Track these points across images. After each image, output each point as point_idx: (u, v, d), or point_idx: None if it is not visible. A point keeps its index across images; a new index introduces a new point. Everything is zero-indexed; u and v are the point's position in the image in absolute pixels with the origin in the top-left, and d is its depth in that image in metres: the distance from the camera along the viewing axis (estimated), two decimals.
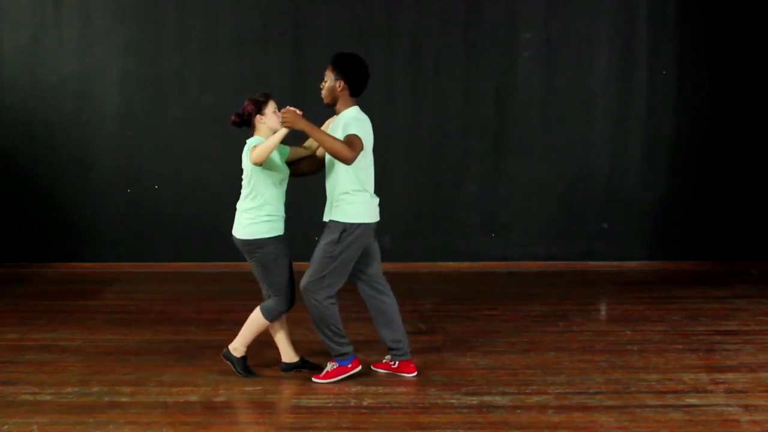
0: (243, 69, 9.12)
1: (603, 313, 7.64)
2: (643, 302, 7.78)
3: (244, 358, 5.77)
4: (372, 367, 5.90)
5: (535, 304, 7.74)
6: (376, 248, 5.84)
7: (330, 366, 5.68)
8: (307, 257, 5.71)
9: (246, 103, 5.61)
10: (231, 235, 5.73)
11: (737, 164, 9.36)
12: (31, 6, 9.10)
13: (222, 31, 9.21)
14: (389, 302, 5.82)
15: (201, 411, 5.18)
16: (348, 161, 5.34)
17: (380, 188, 9.25)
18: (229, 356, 5.78)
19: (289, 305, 5.74)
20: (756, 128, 9.33)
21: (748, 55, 9.26)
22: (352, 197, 5.54)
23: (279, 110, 5.56)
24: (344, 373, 5.66)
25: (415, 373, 5.78)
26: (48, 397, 5.37)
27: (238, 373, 5.73)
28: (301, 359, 5.89)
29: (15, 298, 7.98)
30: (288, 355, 5.87)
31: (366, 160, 5.56)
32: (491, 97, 9.29)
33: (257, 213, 5.57)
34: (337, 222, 5.54)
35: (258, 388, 5.55)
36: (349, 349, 5.68)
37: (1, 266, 9.12)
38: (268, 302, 5.68)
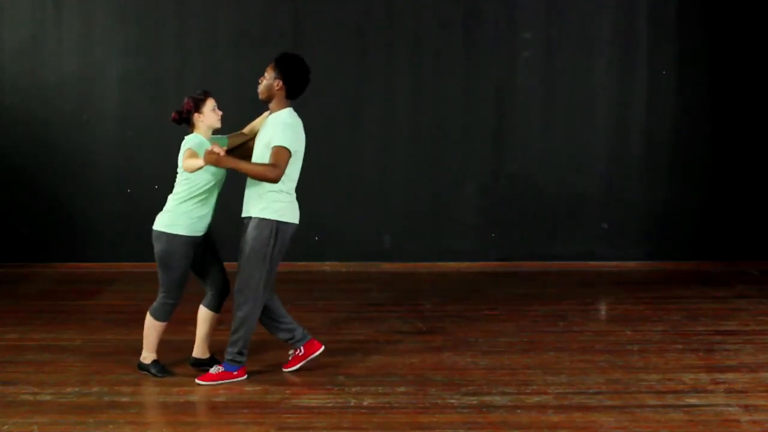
0: (243, 69, 9.10)
1: (603, 313, 7.64)
2: (643, 302, 7.77)
3: (155, 361, 5.80)
4: (284, 370, 5.87)
5: (535, 304, 7.74)
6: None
7: (215, 369, 5.66)
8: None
9: (186, 100, 5.67)
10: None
11: (737, 164, 9.35)
12: (31, 6, 9.10)
13: (222, 31, 9.21)
14: (270, 303, 5.81)
15: (201, 411, 5.18)
16: (273, 180, 5.42)
17: (380, 188, 9.34)
18: (142, 366, 5.80)
19: (212, 306, 5.76)
20: (756, 128, 9.32)
21: (748, 55, 9.25)
22: (277, 196, 5.52)
23: (218, 108, 5.68)
24: (227, 379, 5.62)
25: (322, 348, 5.84)
26: (48, 397, 5.37)
27: (155, 375, 5.73)
28: (212, 356, 5.87)
29: (15, 298, 7.98)
30: (200, 350, 5.85)
31: (293, 167, 5.55)
32: (491, 97, 9.29)
33: (172, 205, 5.65)
34: (268, 219, 5.51)
35: (258, 388, 5.56)
36: (244, 359, 5.67)
37: (1, 266, 9.12)
38: (154, 303, 5.72)
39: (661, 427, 4.93)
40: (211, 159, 5.36)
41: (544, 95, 9.30)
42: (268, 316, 5.80)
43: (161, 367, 5.79)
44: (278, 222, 5.52)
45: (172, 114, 5.71)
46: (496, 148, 9.35)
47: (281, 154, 5.41)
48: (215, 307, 5.78)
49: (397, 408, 5.22)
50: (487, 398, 5.36)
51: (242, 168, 5.44)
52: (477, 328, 6.95)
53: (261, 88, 5.64)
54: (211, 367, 5.74)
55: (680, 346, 6.43)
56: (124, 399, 5.36)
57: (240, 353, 5.64)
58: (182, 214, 5.60)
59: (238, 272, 5.60)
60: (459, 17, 9.20)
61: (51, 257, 9.23)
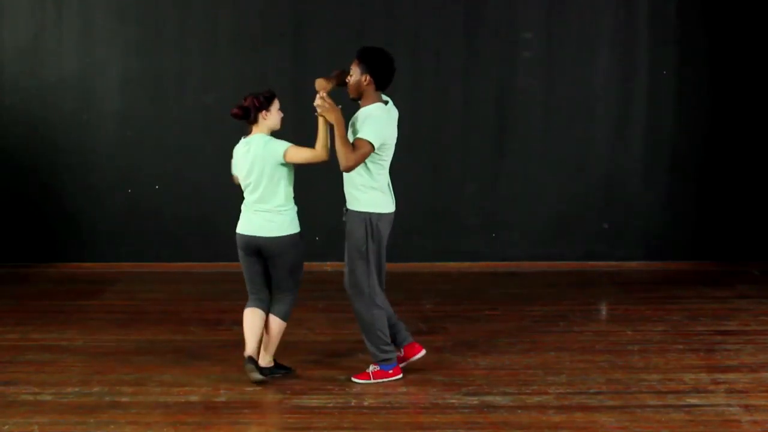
0: (243, 69, 9.11)
1: (603, 313, 7.64)
2: (644, 302, 7.77)
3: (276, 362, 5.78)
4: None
5: (535, 304, 7.74)
6: None
7: (372, 368, 5.67)
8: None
9: (251, 98, 5.58)
10: (232, 235, 5.71)
11: (737, 164, 9.36)
12: (31, 6, 9.09)
13: (222, 31, 9.20)
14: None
15: (201, 411, 5.18)
16: (344, 168, 5.40)
17: None
18: (273, 371, 5.76)
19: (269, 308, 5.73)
20: (756, 128, 9.32)
21: (748, 55, 9.25)
22: (366, 191, 5.53)
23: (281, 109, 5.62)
24: (384, 378, 5.64)
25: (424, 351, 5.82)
26: (48, 397, 5.37)
27: (280, 375, 5.72)
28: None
29: (15, 298, 7.97)
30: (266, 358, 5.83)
31: (382, 157, 5.53)
32: (491, 97, 9.29)
33: (291, 209, 5.59)
34: (358, 212, 5.52)
35: (258, 388, 5.55)
36: (392, 356, 5.67)
37: (1, 266, 9.11)
38: (284, 307, 5.66)
39: (662, 427, 4.93)
40: (326, 106, 5.36)
41: (544, 95, 9.30)
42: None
43: (283, 366, 5.76)
44: (371, 213, 5.52)
45: (234, 109, 5.57)
46: (496, 148, 9.35)
47: (361, 146, 5.38)
48: (281, 313, 5.74)
49: (397, 408, 5.22)
50: (487, 398, 5.36)
51: (338, 133, 5.36)
52: (477, 328, 6.95)
53: (350, 86, 5.59)
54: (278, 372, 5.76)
55: (681, 346, 6.43)
56: (124, 399, 5.36)
57: (382, 350, 5.61)
58: (294, 213, 5.61)
59: (345, 272, 5.65)
60: (459, 17, 9.20)
61: (51, 257, 9.23)
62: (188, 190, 9.25)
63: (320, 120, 5.47)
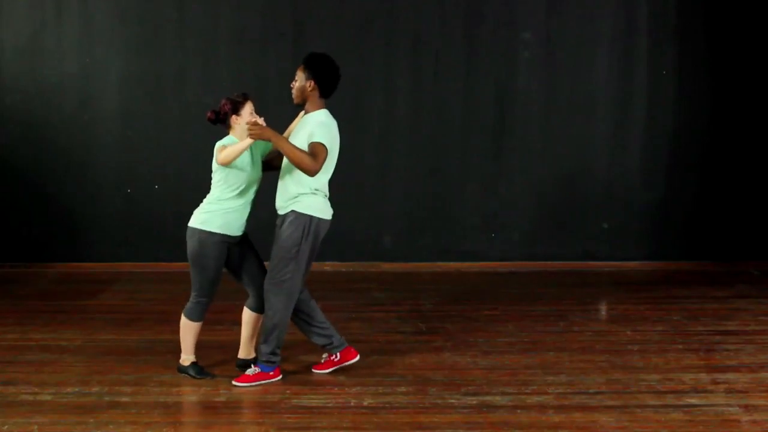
0: (243, 69, 9.11)
1: (603, 313, 7.64)
2: (643, 302, 7.78)
3: (194, 363, 5.78)
4: (314, 370, 5.87)
5: (535, 304, 7.74)
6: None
7: (251, 370, 5.67)
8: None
9: (223, 101, 5.64)
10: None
11: (737, 164, 9.36)
12: (31, 6, 9.09)
13: (222, 31, 9.20)
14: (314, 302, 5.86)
15: (201, 411, 5.18)
16: (310, 173, 5.41)
17: (381, 188, 9.33)
18: (181, 368, 5.78)
19: (255, 307, 5.77)
20: (756, 128, 9.32)
21: (748, 55, 9.25)
22: (309, 195, 5.54)
23: (256, 112, 5.63)
24: (264, 379, 5.63)
25: (358, 356, 5.85)
26: (48, 397, 5.37)
27: (193, 377, 5.71)
28: (256, 357, 5.85)
29: (15, 298, 7.97)
30: (245, 351, 5.86)
31: (328, 166, 5.56)
32: (491, 97, 9.29)
33: (207, 202, 5.64)
34: (301, 214, 5.52)
35: (258, 388, 5.55)
36: (278, 359, 5.69)
37: (1, 266, 9.12)
38: (187, 304, 5.71)
39: (662, 427, 4.93)
40: (255, 131, 5.33)
41: (544, 95, 9.30)
42: (304, 320, 5.80)
43: (200, 369, 5.76)
44: (311, 217, 5.53)
45: (208, 113, 5.65)
46: (496, 148, 9.35)
47: (319, 150, 5.40)
48: (259, 307, 5.76)
49: (397, 408, 5.22)
50: (487, 398, 5.36)
51: (284, 146, 5.38)
52: (477, 328, 6.95)
53: (294, 91, 5.62)
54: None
55: (680, 346, 6.43)
56: (124, 399, 5.36)
57: (273, 353, 5.63)
58: (217, 212, 5.58)
59: (268, 270, 5.61)
60: (459, 17, 9.20)
61: (51, 257, 9.23)
62: (188, 190, 9.23)
63: (244, 142, 5.43)
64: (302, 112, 5.71)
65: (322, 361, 5.91)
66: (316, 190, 5.56)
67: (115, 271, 9.07)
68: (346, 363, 5.83)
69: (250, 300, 5.79)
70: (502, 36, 9.24)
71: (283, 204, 5.61)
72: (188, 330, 5.73)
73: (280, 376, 5.69)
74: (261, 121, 5.45)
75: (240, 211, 5.61)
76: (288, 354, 6.10)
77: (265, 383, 5.61)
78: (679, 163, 9.37)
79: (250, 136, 5.37)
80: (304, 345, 6.35)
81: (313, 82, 5.57)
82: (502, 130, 9.33)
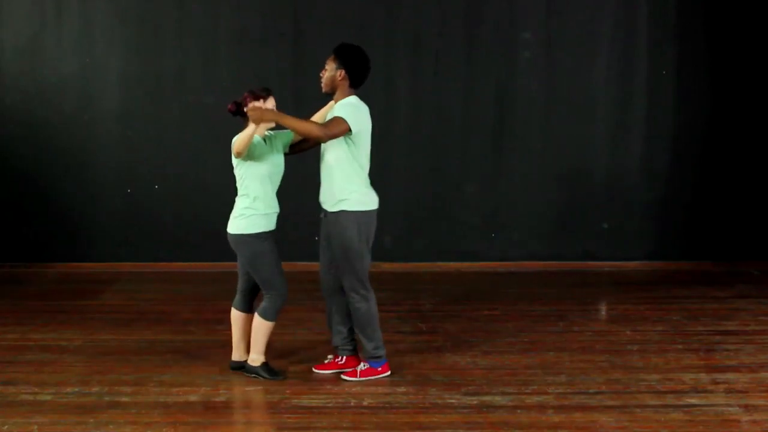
0: (243, 69, 9.11)
1: (603, 313, 7.64)
2: (643, 302, 7.78)
3: (264, 363, 5.74)
4: (314, 369, 5.87)
5: (535, 304, 7.74)
6: None
7: (363, 366, 5.70)
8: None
9: (245, 95, 5.62)
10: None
11: (737, 164, 9.36)
12: (31, 6, 9.10)
13: (222, 31, 9.20)
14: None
15: (201, 411, 5.18)
16: (322, 138, 5.39)
17: (381, 188, 9.22)
18: (250, 369, 5.75)
19: (243, 307, 5.76)
20: (756, 128, 9.32)
21: (748, 55, 9.25)
22: (353, 190, 5.54)
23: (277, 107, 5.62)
24: (374, 375, 5.67)
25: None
26: (48, 397, 5.37)
27: (266, 378, 5.68)
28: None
29: (15, 298, 7.98)
30: (239, 353, 5.84)
31: (359, 150, 5.55)
32: (491, 97, 9.29)
33: (246, 207, 5.56)
34: (351, 212, 5.53)
35: (258, 388, 5.56)
36: (383, 352, 5.70)
37: (1, 266, 9.12)
38: (263, 302, 5.66)
39: (661, 427, 4.93)
40: (255, 114, 5.34)
41: (544, 95, 9.30)
42: (337, 312, 5.79)
43: (272, 369, 5.74)
44: (359, 212, 5.53)
45: (229, 105, 5.62)
46: (496, 148, 9.35)
47: (336, 121, 5.39)
48: (251, 308, 5.78)
49: (397, 408, 5.22)
50: (487, 398, 5.36)
51: (288, 122, 5.38)
52: (477, 328, 6.95)
53: (324, 81, 5.62)
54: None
55: (680, 346, 6.43)
56: (124, 399, 5.36)
57: (376, 348, 5.67)
58: (254, 213, 5.54)
59: (342, 275, 5.62)
60: (459, 17, 9.20)
61: (51, 257, 9.23)
62: (188, 190, 9.25)
63: (249, 128, 5.43)
64: (332, 102, 5.70)
65: (326, 361, 5.90)
66: (357, 187, 5.54)
67: (115, 271, 9.07)
68: (346, 369, 5.82)
69: (238, 300, 5.79)
70: (502, 36, 9.24)
71: (328, 200, 5.60)
72: (264, 330, 5.65)
73: (389, 372, 5.71)
74: (261, 104, 5.43)
75: (272, 204, 5.61)
76: (288, 354, 6.10)
77: (374, 378, 5.65)
78: (678, 163, 9.37)
79: (251, 119, 5.37)
80: (304, 345, 6.36)
81: (343, 72, 5.56)
82: (502, 130, 9.33)
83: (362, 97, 5.68)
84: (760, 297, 7.96)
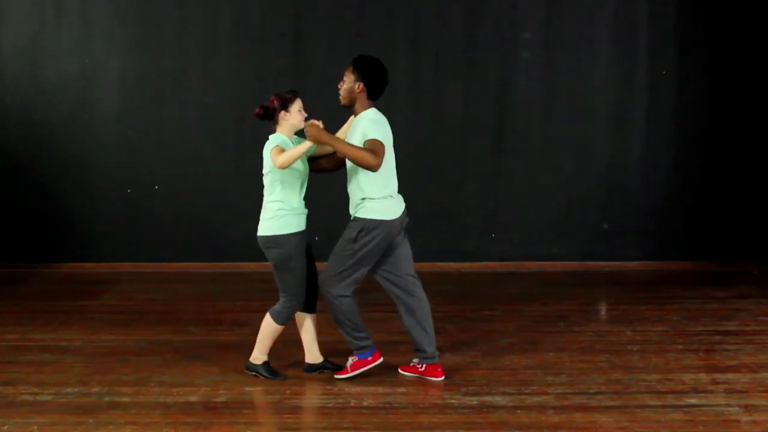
0: (243, 69, 9.12)
1: (603, 313, 7.64)
2: (643, 302, 7.77)
3: (266, 362, 5.74)
4: (400, 371, 5.84)
5: (535, 304, 7.74)
6: (404, 247, 5.80)
7: (350, 360, 5.69)
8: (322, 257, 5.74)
9: (272, 97, 5.60)
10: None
11: (737, 164, 9.36)
12: (31, 6, 9.10)
13: (222, 31, 9.20)
14: (417, 303, 5.79)
15: (201, 411, 5.18)
16: (373, 168, 5.39)
17: None
18: (251, 367, 5.74)
19: (304, 307, 5.70)
20: (756, 128, 9.32)
21: (748, 54, 9.25)
22: (374, 200, 5.56)
23: (304, 110, 5.61)
24: (364, 366, 5.66)
25: (442, 378, 5.71)
26: (48, 398, 5.37)
27: (266, 377, 5.68)
28: (325, 360, 5.85)
29: (15, 298, 7.98)
30: (311, 355, 5.83)
31: (387, 162, 5.56)
32: (491, 97, 9.29)
33: (276, 208, 5.55)
34: (358, 219, 5.56)
35: (258, 388, 5.55)
36: (368, 342, 5.68)
37: (1, 266, 9.12)
38: (277, 305, 5.65)
39: (662, 427, 4.93)
40: (313, 132, 5.35)
41: (544, 95, 9.30)
42: (411, 314, 5.77)
43: (272, 370, 5.73)
44: (365, 220, 5.53)
45: (257, 109, 5.59)
46: (496, 148, 9.35)
47: (376, 145, 5.39)
48: (311, 308, 5.75)
49: (397, 408, 5.22)
50: (487, 398, 5.36)
51: (341, 147, 5.41)
52: (477, 328, 6.95)
53: (342, 93, 5.62)
54: (327, 369, 5.77)
55: (680, 346, 6.43)
56: (124, 399, 5.35)
57: (357, 339, 5.64)
58: (287, 214, 5.53)
59: (326, 266, 5.64)
60: (459, 17, 9.20)
61: (51, 257, 9.23)
62: (188, 190, 9.25)
63: (303, 145, 5.44)
64: (352, 116, 5.70)
65: (411, 364, 5.84)
66: (378, 196, 5.55)
67: (116, 271, 9.07)
68: (429, 378, 5.74)
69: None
70: (502, 36, 9.24)
71: (351, 210, 5.66)
72: (272, 332, 5.65)
73: (381, 359, 5.69)
74: (317, 122, 5.44)
75: (302, 207, 5.62)
76: (287, 354, 6.10)
77: (367, 369, 5.64)
78: (678, 162, 9.37)
79: (309, 137, 5.38)
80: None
81: (361, 84, 5.57)
82: (502, 130, 9.33)
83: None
84: (760, 297, 7.96)
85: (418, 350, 5.77)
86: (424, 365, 5.76)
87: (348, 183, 5.67)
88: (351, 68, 5.63)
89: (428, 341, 5.73)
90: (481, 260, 9.36)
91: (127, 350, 6.35)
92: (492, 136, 9.33)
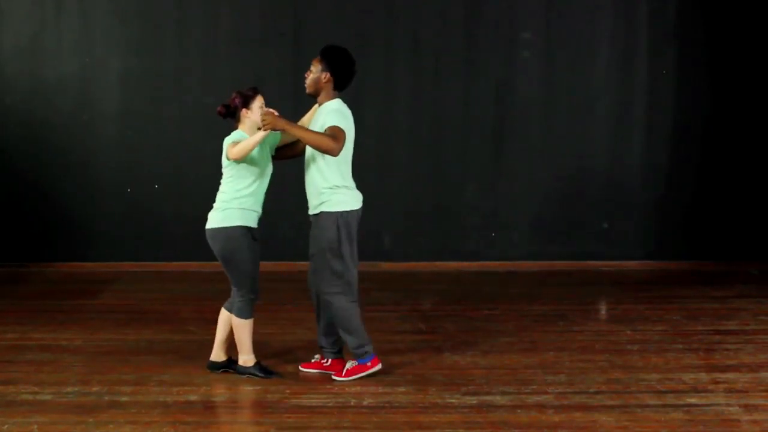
0: (243, 69, 9.11)
1: (603, 312, 7.64)
2: (643, 302, 7.78)
3: (257, 363, 5.73)
4: (300, 368, 5.85)
5: (535, 304, 7.74)
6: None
7: (350, 364, 5.69)
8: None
9: (234, 95, 5.62)
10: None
11: (737, 164, 9.36)
12: (31, 6, 9.10)
13: (222, 31, 9.21)
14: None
15: (201, 411, 5.18)
16: (333, 152, 5.37)
17: (380, 188, 9.33)
18: (243, 371, 5.74)
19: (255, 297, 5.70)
20: (756, 128, 9.33)
21: (748, 54, 9.25)
22: (339, 189, 5.54)
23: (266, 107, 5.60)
24: (362, 372, 5.65)
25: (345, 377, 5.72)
26: (48, 397, 5.37)
27: (262, 377, 5.67)
28: (228, 359, 5.83)
29: (15, 298, 7.98)
30: (216, 354, 5.82)
31: (347, 153, 5.56)
32: (491, 97, 9.29)
33: (221, 200, 5.57)
34: (329, 213, 5.53)
35: (258, 388, 5.55)
36: (369, 348, 5.68)
37: (1, 266, 9.12)
38: (237, 303, 5.64)
39: (662, 426, 4.93)
40: (268, 120, 5.32)
41: (544, 95, 9.30)
42: (326, 317, 5.77)
43: (265, 368, 5.72)
44: (340, 212, 5.52)
45: (219, 107, 5.61)
46: (496, 148, 9.35)
47: (336, 131, 5.38)
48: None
49: (397, 407, 5.22)
50: (487, 398, 5.35)
51: (299, 132, 5.39)
52: (477, 328, 6.95)
53: (308, 81, 5.63)
54: (228, 368, 5.75)
55: (680, 346, 6.43)
56: (124, 399, 5.35)
57: (361, 345, 5.63)
58: (234, 208, 5.53)
59: (317, 275, 5.62)
60: (459, 17, 9.20)
61: (51, 257, 9.23)
62: (188, 190, 9.24)
63: (257, 134, 5.42)
64: (316, 105, 5.70)
65: (313, 360, 5.90)
66: (341, 184, 5.54)
67: (115, 271, 9.07)
68: (331, 372, 5.80)
69: (232, 300, 5.76)
70: (502, 36, 9.24)
71: (313, 203, 5.61)
72: (244, 330, 5.65)
73: (379, 365, 5.68)
74: (273, 111, 5.44)
75: (255, 204, 5.59)
76: (286, 353, 6.10)
77: (366, 375, 5.62)
78: (679, 163, 9.37)
79: (264, 126, 5.36)
80: (302, 345, 6.36)
81: (328, 74, 5.58)
82: (502, 130, 9.34)
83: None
84: (759, 297, 7.96)
85: (323, 347, 5.80)
86: (330, 361, 5.80)
87: (306, 174, 5.61)
88: (319, 58, 5.64)
89: (336, 339, 5.78)
90: (481, 260, 9.36)
91: (127, 350, 6.35)
92: (492, 136, 9.34)
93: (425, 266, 9.30)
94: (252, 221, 5.59)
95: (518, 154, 9.34)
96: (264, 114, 5.39)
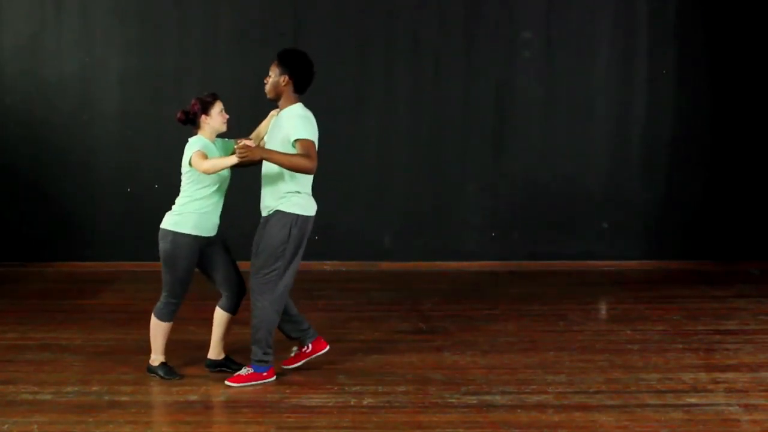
0: (243, 69, 9.11)
1: (603, 312, 7.64)
2: (643, 302, 7.78)
3: (163, 363, 5.74)
4: (283, 366, 5.83)
5: (535, 304, 7.74)
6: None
7: (245, 370, 5.63)
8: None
9: (193, 101, 5.65)
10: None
11: (737, 164, 9.36)
12: (31, 6, 9.10)
13: (222, 31, 9.21)
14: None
15: (201, 411, 5.18)
16: (311, 171, 5.40)
17: (380, 188, 9.33)
18: (149, 368, 5.74)
19: (227, 307, 5.72)
20: (756, 128, 9.33)
21: (748, 55, 9.25)
22: (300, 195, 5.52)
23: (225, 111, 5.65)
24: (257, 380, 5.59)
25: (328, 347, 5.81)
26: (48, 397, 5.37)
27: (162, 378, 5.67)
28: (226, 357, 5.84)
29: (15, 297, 7.98)
30: (214, 352, 5.83)
31: None
32: (491, 97, 9.29)
33: (179, 204, 5.61)
34: (285, 213, 5.48)
35: (258, 388, 5.55)
36: (271, 358, 5.64)
37: (1, 266, 9.12)
38: (158, 304, 5.68)
39: (661, 426, 4.93)
40: (244, 152, 5.29)
41: (544, 95, 9.30)
42: (290, 307, 5.77)
43: (169, 369, 5.74)
44: (297, 216, 5.49)
45: (178, 113, 5.64)
46: (496, 148, 9.35)
47: (308, 145, 5.38)
48: (232, 308, 5.75)
49: (397, 407, 5.22)
50: (487, 398, 5.36)
51: (276, 158, 5.35)
52: (477, 328, 6.95)
53: (268, 87, 5.63)
54: (227, 368, 5.75)
55: (680, 346, 6.43)
56: (124, 398, 5.35)
57: (265, 353, 5.60)
58: (190, 213, 5.56)
59: (253, 269, 5.57)
60: (459, 17, 9.20)
61: (51, 257, 9.23)
62: None
63: (231, 158, 5.40)
64: (274, 110, 5.69)
65: (292, 354, 5.90)
66: (301, 190, 5.53)
67: (115, 271, 9.07)
68: (317, 354, 5.80)
69: (223, 300, 5.76)
70: (502, 36, 9.24)
71: (270, 204, 5.56)
72: (159, 330, 5.70)
73: (274, 377, 5.66)
74: (249, 142, 5.41)
75: (212, 211, 5.60)
76: (284, 353, 6.09)
77: (258, 384, 5.59)
78: (678, 162, 9.37)
79: (240, 157, 5.30)
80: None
81: (287, 77, 5.58)
82: (502, 130, 9.33)
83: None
84: (760, 297, 7.96)
85: (295, 338, 5.83)
86: (309, 345, 5.83)
87: (266, 176, 5.57)
88: (276, 62, 5.65)
89: (302, 327, 5.83)
90: (481, 260, 9.36)
91: (127, 349, 6.35)
92: (492, 136, 9.34)
93: (425, 266, 9.29)
94: (206, 230, 5.59)
95: (518, 154, 9.34)
96: (240, 148, 5.32)
